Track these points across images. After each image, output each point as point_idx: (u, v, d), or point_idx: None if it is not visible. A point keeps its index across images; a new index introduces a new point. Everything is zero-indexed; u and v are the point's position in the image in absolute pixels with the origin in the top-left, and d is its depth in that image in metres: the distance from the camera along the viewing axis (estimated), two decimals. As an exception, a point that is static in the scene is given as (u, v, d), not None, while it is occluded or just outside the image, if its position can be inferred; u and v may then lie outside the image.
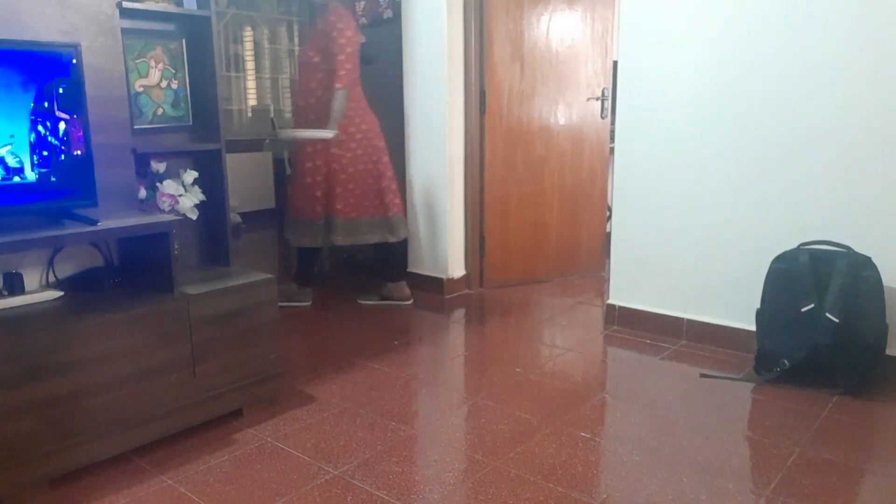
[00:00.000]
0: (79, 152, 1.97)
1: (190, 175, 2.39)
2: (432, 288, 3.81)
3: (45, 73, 1.88)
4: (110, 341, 1.88)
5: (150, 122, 2.36)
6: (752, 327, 2.58)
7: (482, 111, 3.71)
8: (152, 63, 2.33)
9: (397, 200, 3.51)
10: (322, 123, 3.29)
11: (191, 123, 2.46)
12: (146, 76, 2.32)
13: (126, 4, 2.14)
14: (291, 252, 3.83)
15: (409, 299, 3.64)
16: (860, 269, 2.32)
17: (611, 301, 3.21)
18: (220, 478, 1.89)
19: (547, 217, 4.00)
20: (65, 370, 1.79)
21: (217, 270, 2.41)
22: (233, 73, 6.73)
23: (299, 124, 3.41)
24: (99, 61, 2.09)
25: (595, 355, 2.88)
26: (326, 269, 4.39)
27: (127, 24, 2.22)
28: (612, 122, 3.61)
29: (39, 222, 1.93)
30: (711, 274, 2.85)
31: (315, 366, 2.73)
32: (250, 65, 6.88)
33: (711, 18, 2.69)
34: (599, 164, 4.09)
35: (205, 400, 2.12)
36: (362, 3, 4.04)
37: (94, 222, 1.94)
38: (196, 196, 2.39)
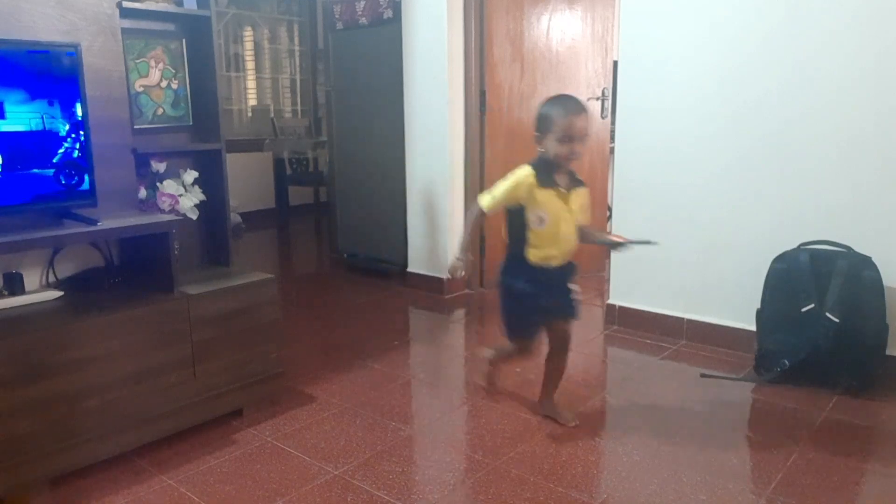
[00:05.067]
0: (79, 152, 1.97)
1: (190, 175, 2.38)
2: (432, 288, 3.81)
3: (45, 73, 1.88)
4: (110, 341, 1.88)
5: (150, 122, 2.36)
6: (753, 327, 2.58)
7: (482, 111, 3.70)
8: (152, 63, 2.33)
9: None
10: None
11: (191, 123, 2.46)
12: (146, 76, 2.32)
13: (126, 4, 2.14)
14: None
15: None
16: (860, 269, 2.32)
17: (611, 301, 3.21)
18: (220, 478, 1.89)
19: (547, 217, 3.98)
20: (65, 370, 1.79)
21: (217, 270, 2.41)
22: (233, 73, 6.72)
23: None
24: (99, 61, 2.09)
25: (595, 355, 2.88)
26: None
27: (127, 24, 2.22)
28: (612, 122, 3.61)
29: (39, 222, 1.93)
30: (711, 274, 2.84)
31: (315, 366, 2.73)
32: (250, 65, 6.88)
33: (711, 18, 2.69)
34: (599, 164, 4.09)
35: (205, 400, 2.12)
36: (362, 2, 4.04)
37: (94, 222, 1.94)
38: (196, 196, 2.38)
